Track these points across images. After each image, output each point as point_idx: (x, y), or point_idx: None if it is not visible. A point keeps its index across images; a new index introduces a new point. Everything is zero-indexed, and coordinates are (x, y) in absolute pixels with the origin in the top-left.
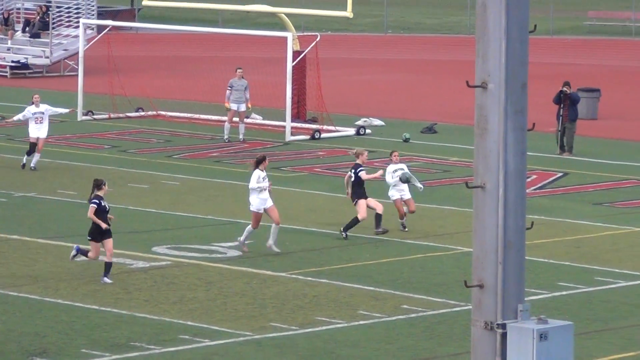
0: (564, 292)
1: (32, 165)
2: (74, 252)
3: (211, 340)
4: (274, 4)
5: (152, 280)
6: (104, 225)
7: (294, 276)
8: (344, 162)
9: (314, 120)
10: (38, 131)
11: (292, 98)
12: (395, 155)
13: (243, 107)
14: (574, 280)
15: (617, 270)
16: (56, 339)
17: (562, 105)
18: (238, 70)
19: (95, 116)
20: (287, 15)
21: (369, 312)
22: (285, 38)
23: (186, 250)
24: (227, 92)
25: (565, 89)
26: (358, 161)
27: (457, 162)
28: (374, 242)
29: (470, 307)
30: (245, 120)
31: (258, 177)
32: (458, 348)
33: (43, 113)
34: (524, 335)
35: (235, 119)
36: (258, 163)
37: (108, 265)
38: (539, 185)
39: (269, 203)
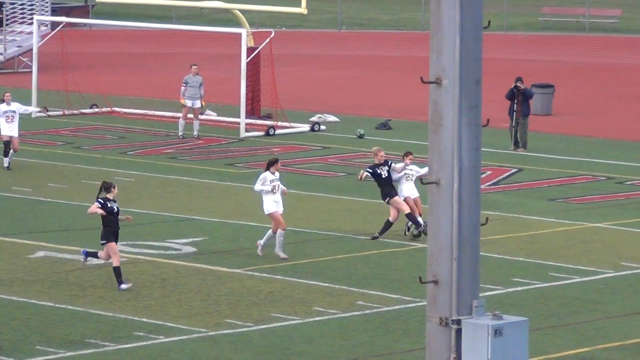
0: (519, 288)
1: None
2: (83, 257)
3: (166, 336)
4: (228, 0)
5: (107, 277)
6: (99, 211)
7: (249, 273)
8: (299, 159)
9: (268, 117)
10: (10, 130)
11: (247, 94)
12: (409, 158)
13: (198, 104)
14: (528, 276)
15: (571, 266)
16: (10, 335)
17: (515, 101)
18: (193, 67)
19: (49, 113)
20: (241, 11)
21: (324, 309)
22: (240, 34)
23: (141, 246)
24: (182, 88)
25: (518, 84)
26: (376, 160)
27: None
28: (329, 239)
29: (425, 303)
30: (200, 116)
31: (264, 180)
32: (413, 344)
33: (14, 111)
34: (479, 331)
35: (190, 116)
36: (269, 165)
37: (117, 270)
38: (494, 181)
39: (280, 207)
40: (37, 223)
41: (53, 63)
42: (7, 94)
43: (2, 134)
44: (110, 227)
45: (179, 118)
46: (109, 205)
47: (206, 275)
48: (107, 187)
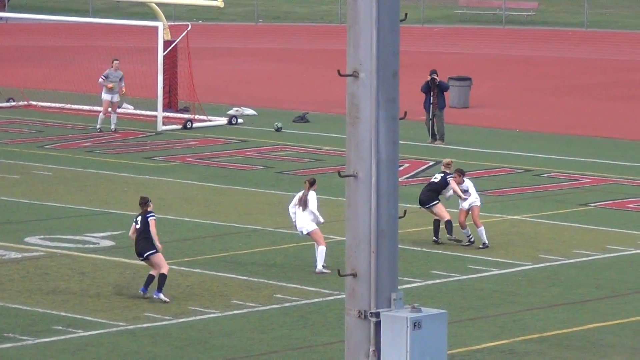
0: (437, 281)
1: None
2: (142, 293)
3: (85, 330)
4: None
5: (25, 271)
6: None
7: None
8: (217, 152)
9: (185, 110)
10: None
11: (164, 88)
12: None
13: (117, 98)
14: (447, 268)
15: (489, 259)
16: None
17: (431, 94)
18: (115, 62)
19: None
20: (158, 4)
21: (242, 302)
22: (156, 28)
23: (59, 240)
24: (101, 80)
25: (434, 76)
26: (447, 170)
27: (329, 151)
28: (246, 232)
29: (344, 296)
30: (117, 110)
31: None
32: (332, 337)
33: None
34: (398, 323)
35: (109, 110)
36: (312, 184)
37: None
38: (412, 174)
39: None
40: None
41: None
42: None
43: None
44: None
45: (96, 112)
46: (137, 218)
47: (124, 269)
48: (141, 202)
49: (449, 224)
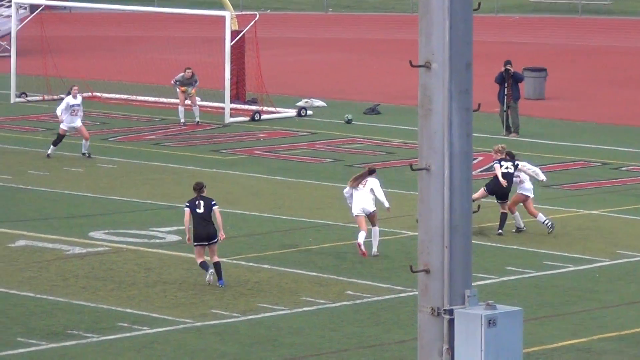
0: (512, 277)
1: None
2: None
3: (150, 327)
4: None
5: (90, 267)
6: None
7: (235, 262)
8: (285, 144)
9: (253, 102)
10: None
11: (231, 79)
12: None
13: (191, 90)
14: (522, 264)
15: (566, 254)
16: None
17: (505, 85)
18: (187, 70)
19: (29, 98)
20: None
21: (312, 299)
22: (224, 17)
23: (124, 235)
24: (173, 82)
25: (508, 67)
26: (500, 157)
27: (401, 143)
28: (316, 227)
29: (417, 292)
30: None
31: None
32: (404, 335)
33: (79, 105)
34: (472, 321)
35: (188, 102)
36: (372, 172)
37: (218, 266)
38: (485, 167)
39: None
40: (17, 211)
41: (32, 47)
42: (75, 87)
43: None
44: (195, 229)
45: (162, 104)
46: (195, 203)
47: (191, 264)
48: (197, 187)
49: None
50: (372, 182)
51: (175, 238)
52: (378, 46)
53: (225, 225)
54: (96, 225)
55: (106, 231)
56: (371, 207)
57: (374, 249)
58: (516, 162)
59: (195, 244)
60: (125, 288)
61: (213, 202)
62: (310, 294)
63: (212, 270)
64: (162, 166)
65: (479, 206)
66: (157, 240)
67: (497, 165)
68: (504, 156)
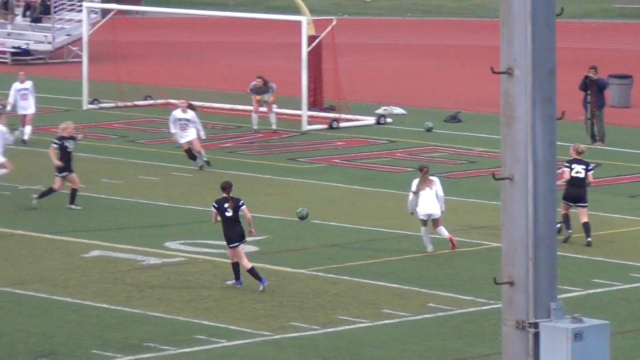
0: (599, 290)
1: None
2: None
3: (228, 340)
4: None
5: (166, 278)
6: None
7: (314, 273)
8: (364, 153)
9: (331, 109)
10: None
11: (308, 85)
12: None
13: (267, 97)
14: (609, 276)
15: None
16: (65, 339)
17: (588, 92)
18: (257, 80)
19: (101, 105)
20: None
21: (393, 311)
22: (300, 22)
23: (201, 245)
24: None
25: (590, 74)
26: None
27: (483, 152)
28: (396, 238)
29: (501, 305)
30: (259, 109)
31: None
32: (488, 348)
33: (188, 119)
34: (558, 334)
35: (263, 109)
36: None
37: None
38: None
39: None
40: (91, 221)
41: (104, 52)
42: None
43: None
44: (225, 231)
45: (238, 111)
46: (224, 206)
47: (269, 275)
48: (225, 186)
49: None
50: (438, 184)
51: (252, 248)
52: (458, 52)
53: (303, 236)
54: (172, 235)
55: (182, 241)
56: (437, 212)
57: (431, 247)
58: (590, 166)
59: (229, 246)
60: (202, 299)
61: (241, 203)
62: (392, 306)
63: (239, 280)
64: (238, 175)
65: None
66: None
67: (566, 170)
68: (578, 157)
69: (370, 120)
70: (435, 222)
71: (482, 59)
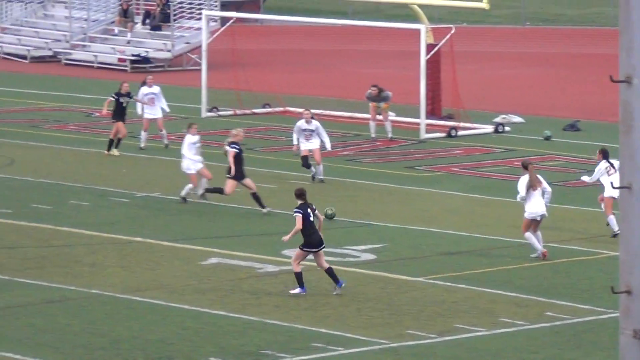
0: None
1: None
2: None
3: (345, 348)
4: None
5: (283, 285)
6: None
7: (431, 281)
8: (482, 161)
9: (449, 117)
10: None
11: (427, 94)
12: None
13: (383, 104)
14: None
15: None
16: (182, 346)
17: None
18: (372, 88)
19: (219, 112)
20: (420, 6)
21: (511, 320)
22: (418, 30)
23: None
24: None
25: None
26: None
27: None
28: (514, 246)
29: (618, 314)
30: (376, 117)
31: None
32: (606, 358)
33: (313, 130)
34: None
35: (380, 117)
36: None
37: (331, 272)
38: None
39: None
40: (209, 228)
41: (223, 60)
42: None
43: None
44: (309, 237)
45: (356, 119)
46: (307, 210)
47: (386, 283)
48: (302, 193)
49: None
50: (545, 183)
51: (370, 257)
52: (577, 60)
53: (420, 244)
54: (289, 243)
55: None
56: (545, 211)
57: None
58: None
59: (305, 249)
60: (319, 307)
61: (314, 207)
62: (509, 314)
63: (340, 282)
64: (356, 183)
65: None
66: (352, 259)
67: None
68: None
69: (489, 128)
70: (537, 225)
71: (602, 67)
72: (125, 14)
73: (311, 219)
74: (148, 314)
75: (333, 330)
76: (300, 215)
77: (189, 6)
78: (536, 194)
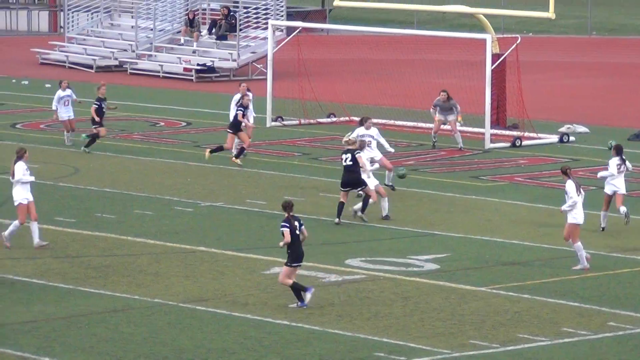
0: None
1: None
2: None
3: (408, 357)
4: (472, 4)
5: (346, 295)
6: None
7: (494, 291)
8: (547, 171)
9: (514, 127)
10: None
11: (492, 103)
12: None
13: (452, 117)
14: None
15: None
16: (245, 355)
17: None
18: (442, 93)
19: (284, 122)
20: (486, 16)
21: (573, 330)
22: (484, 40)
23: (381, 263)
24: (431, 110)
25: None
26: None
27: None
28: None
29: None
30: (442, 127)
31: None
32: None
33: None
34: None
35: (447, 127)
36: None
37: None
38: None
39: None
40: (272, 237)
41: (288, 70)
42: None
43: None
44: (295, 250)
45: (421, 129)
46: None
47: (449, 293)
48: (288, 206)
49: None
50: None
51: (433, 267)
52: None
53: (484, 254)
54: (353, 252)
55: (363, 259)
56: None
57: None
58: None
59: (293, 264)
60: (382, 317)
61: (302, 222)
62: (571, 324)
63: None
64: (420, 192)
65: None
66: (415, 269)
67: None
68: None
69: (554, 138)
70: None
71: None
72: (192, 24)
73: (297, 232)
74: (211, 323)
75: (396, 339)
76: (287, 229)
77: (255, 16)
78: (580, 199)
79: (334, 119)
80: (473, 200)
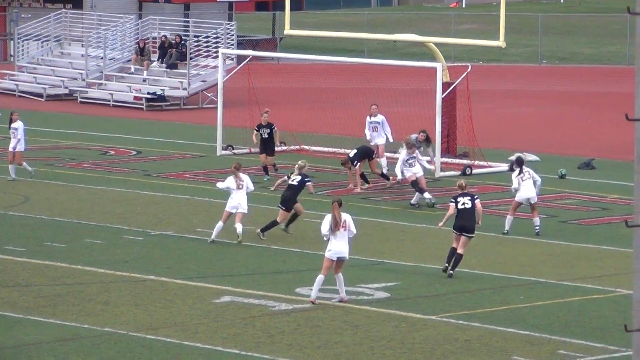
0: None
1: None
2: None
3: None
4: (422, 33)
5: (296, 324)
6: None
7: (444, 319)
8: (498, 200)
9: (464, 155)
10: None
11: (442, 132)
12: None
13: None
14: None
15: None
16: None
17: None
18: (421, 134)
19: (235, 150)
20: (437, 44)
21: (523, 358)
22: (435, 69)
23: (331, 291)
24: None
25: None
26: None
27: (616, 199)
28: (528, 285)
29: (632, 353)
30: (393, 154)
31: None
32: None
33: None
34: None
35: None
36: None
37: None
38: None
39: None
40: (223, 266)
41: (239, 98)
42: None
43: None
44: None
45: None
46: None
47: (399, 321)
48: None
49: None
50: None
51: (383, 295)
52: (593, 99)
53: (434, 282)
54: (303, 281)
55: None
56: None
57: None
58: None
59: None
60: (332, 345)
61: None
62: (522, 353)
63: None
64: (370, 221)
65: None
66: (365, 297)
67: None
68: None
69: (504, 167)
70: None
71: (617, 106)
72: (142, 52)
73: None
74: (161, 352)
75: None
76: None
77: (205, 45)
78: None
79: (284, 148)
80: (424, 229)
